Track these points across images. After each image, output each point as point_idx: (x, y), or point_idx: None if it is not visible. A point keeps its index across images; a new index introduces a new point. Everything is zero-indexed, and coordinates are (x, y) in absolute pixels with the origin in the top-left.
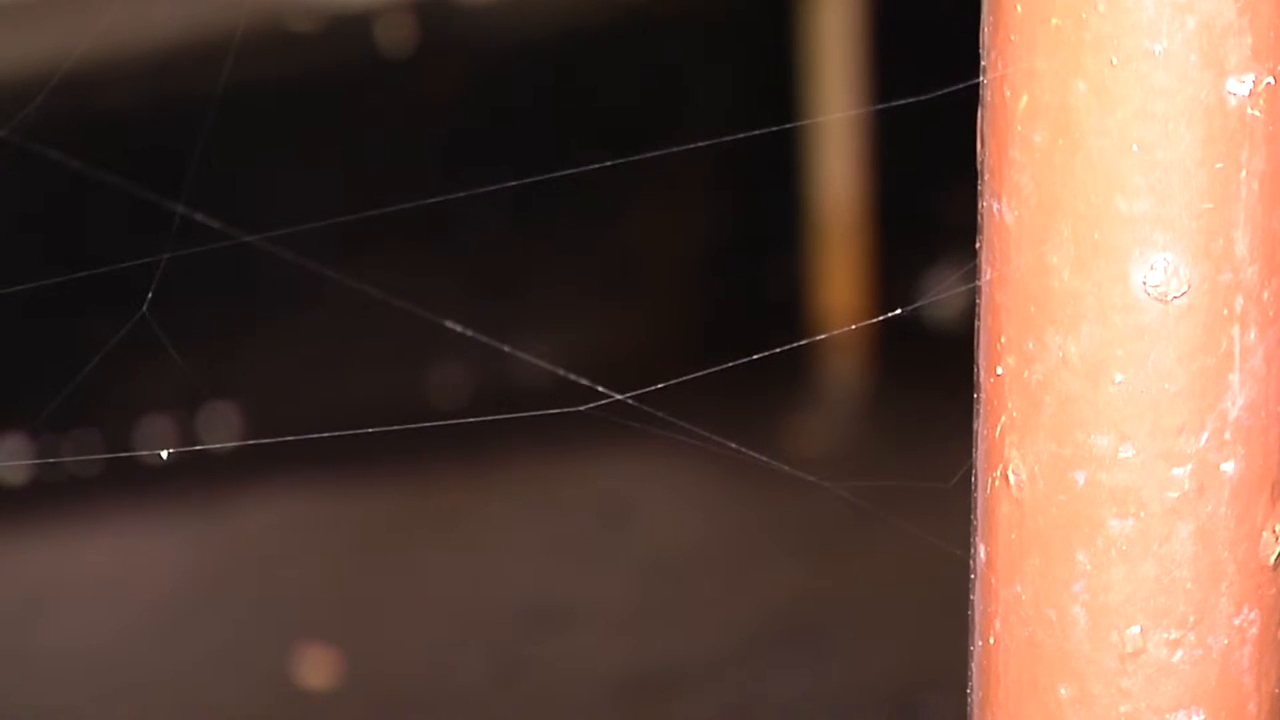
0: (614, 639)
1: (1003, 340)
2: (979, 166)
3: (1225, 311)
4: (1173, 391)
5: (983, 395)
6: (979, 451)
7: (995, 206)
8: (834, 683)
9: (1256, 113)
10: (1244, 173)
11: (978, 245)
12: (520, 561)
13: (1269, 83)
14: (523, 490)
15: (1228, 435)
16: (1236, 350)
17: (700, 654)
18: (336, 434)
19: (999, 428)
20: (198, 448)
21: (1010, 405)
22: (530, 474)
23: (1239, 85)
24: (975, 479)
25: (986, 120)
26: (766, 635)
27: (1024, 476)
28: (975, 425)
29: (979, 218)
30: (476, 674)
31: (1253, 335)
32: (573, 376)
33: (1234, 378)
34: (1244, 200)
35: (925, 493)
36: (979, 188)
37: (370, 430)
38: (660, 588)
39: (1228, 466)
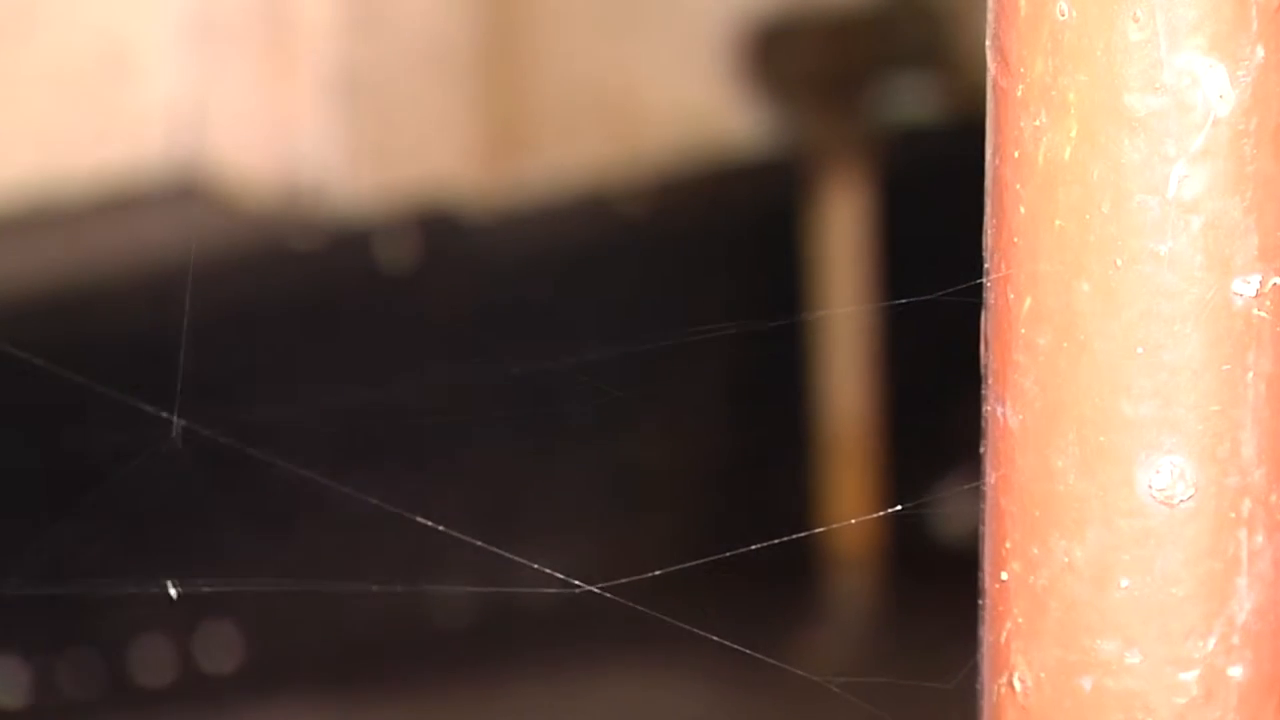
0: None
1: (1007, 545)
2: (982, 370)
3: (1232, 515)
4: (1180, 596)
5: (988, 601)
6: (984, 658)
7: (999, 410)
8: None
9: (1263, 314)
10: (1251, 374)
11: (982, 449)
12: None
13: (1275, 283)
14: (529, 708)
15: (1235, 640)
16: (1244, 554)
17: None
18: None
19: (1004, 633)
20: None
21: (1016, 611)
22: (536, 692)
23: (1245, 286)
24: (981, 685)
25: (990, 323)
26: None
27: (1030, 683)
28: (980, 631)
29: (983, 422)
30: None
31: (1260, 539)
32: (575, 582)
33: (1241, 582)
34: (1251, 402)
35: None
36: (983, 391)
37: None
38: None
39: (1235, 671)
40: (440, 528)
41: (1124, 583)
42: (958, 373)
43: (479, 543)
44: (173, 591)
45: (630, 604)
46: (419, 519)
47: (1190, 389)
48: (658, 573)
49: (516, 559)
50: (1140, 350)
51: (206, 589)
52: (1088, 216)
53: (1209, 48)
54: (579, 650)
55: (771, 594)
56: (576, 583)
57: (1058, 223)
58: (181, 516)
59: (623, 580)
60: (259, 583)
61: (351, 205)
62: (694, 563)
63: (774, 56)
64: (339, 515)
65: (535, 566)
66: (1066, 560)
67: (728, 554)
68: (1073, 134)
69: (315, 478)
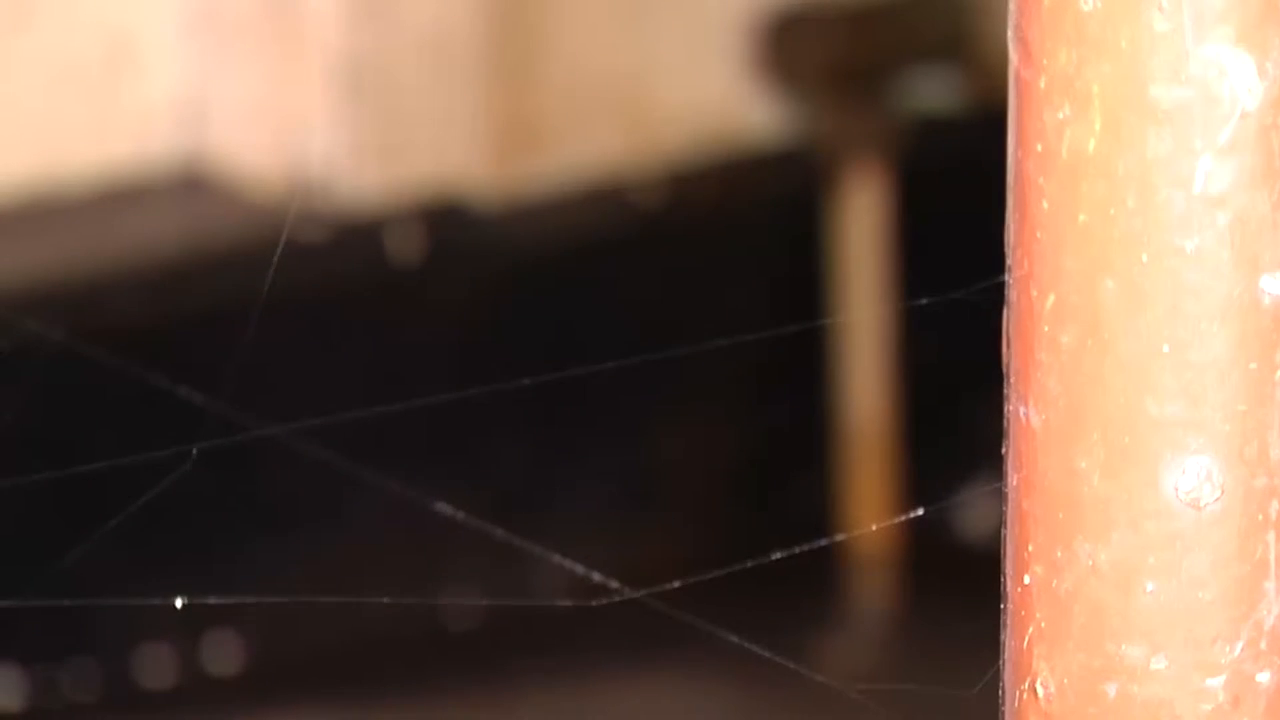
0: None
1: (1030, 549)
2: (1004, 369)
3: (1260, 517)
4: (1206, 600)
5: (1010, 606)
6: (1006, 663)
7: (1021, 410)
8: None
9: None
10: (1278, 374)
11: (1004, 450)
12: None
13: None
14: (542, 714)
15: (1263, 645)
16: (1272, 557)
17: None
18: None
19: (1027, 639)
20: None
21: (1039, 615)
22: (549, 698)
23: (1273, 283)
24: (1003, 692)
25: (1012, 321)
26: None
27: (1053, 689)
28: (1002, 636)
29: (1005, 422)
30: None
31: None
32: (595, 575)
33: (1269, 585)
34: (1278, 402)
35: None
36: (1005, 391)
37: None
38: None
39: (1263, 676)
40: (459, 515)
41: (1149, 586)
42: (979, 371)
43: (499, 532)
44: (179, 603)
45: (660, 607)
46: (439, 506)
47: (1217, 388)
48: (681, 583)
49: (541, 551)
50: (1166, 349)
51: (215, 601)
52: (1112, 211)
53: (1236, 39)
54: (594, 654)
55: (790, 597)
56: (613, 584)
57: (1081, 218)
58: (184, 516)
59: (646, 591)
60: (269, 596)
61: (359, 198)
62: (721, 572)
63: (791, 47)
64: (346, 514)
65: (569, 566)
66: (1091, 564)
67: (749, 563)
68: (1097, 127)
69: (335, 458)
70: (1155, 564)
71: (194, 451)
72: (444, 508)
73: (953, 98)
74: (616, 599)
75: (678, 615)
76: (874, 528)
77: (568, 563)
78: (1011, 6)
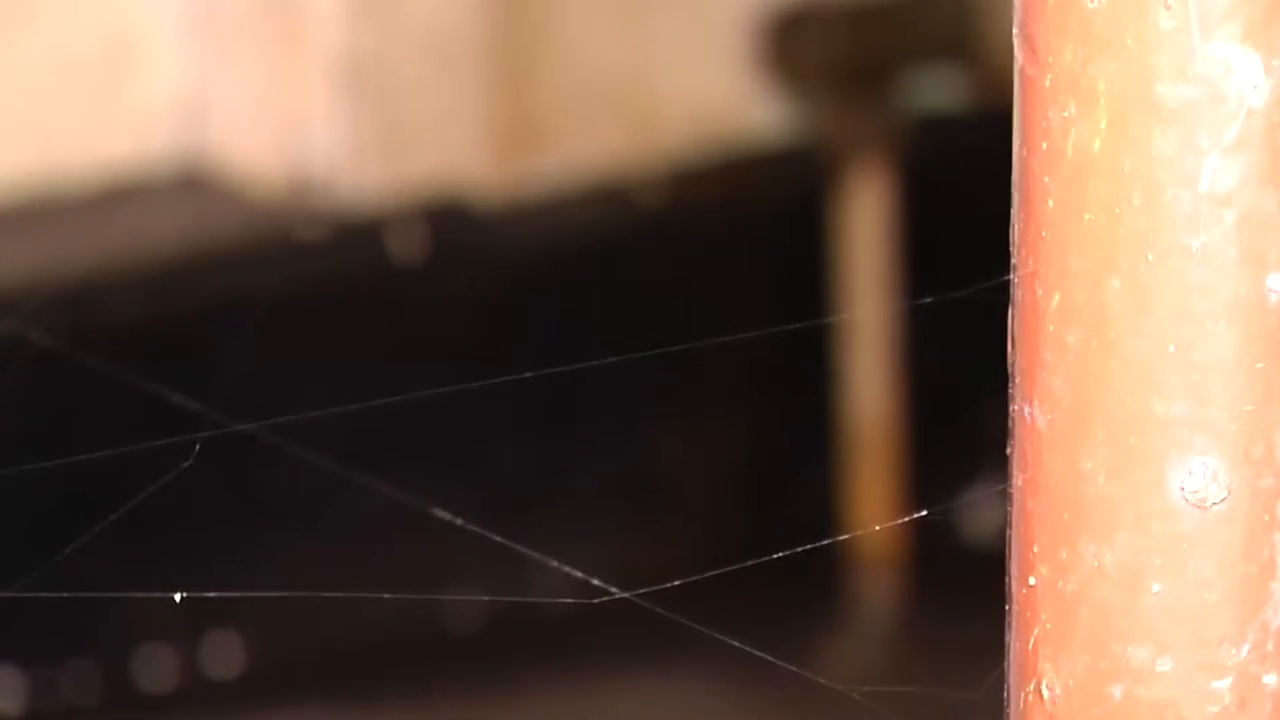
0: None
1: (1035, 549)
2: (1009, 369)
3: (1267, 517)
4: (1212, 601)
5: (1015, 607)
6: (1011, 665)
7: (1027, 410)
8: None
9: None
10: None
11: (1009, 451)
12: None
13: None
14: (543, 717)
15: (1270, 646)
16: (1278, 558)
17: None
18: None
19: (1032, 640)
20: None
21: (1044, 617)
22: (550, 700)
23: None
24: (1007, 694)
25: (1017, 320)
26: None
27: (1058, 691)
28: (1007, 638)
29: (1010, 422)
30: None
31: None
32: (595, 581)
33: (1276, 586)
34: None
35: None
36: (1010, 391)
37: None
38: None
39: (1270, 678)
40: (459, 521)
41: (1155, 587)
42: (984, 371)
43: (498, 538)
44: (177, 597)
45: (659, 610)
46: (437, 511)
47: (1223, 388)
48: (681, 581)
49: (540, 557)
50: (1172, 348)
51: (213, 595)
52: (1118, 210)
53: (1243, 36)
54: (594, 656)
55: (794, 599)
56: (612, 589)
57: (1087, 216)
58: (184, 516)
59: (647, 590)
60: (267, 590)
61: (361, 197)
62: (721, 570)
63: (794, 45)
64: (347, 515)
65: (567, 570)
66: (1096, 564)
67: (750, 563)
68: (1102, 125)
69: (330, 463)
70: (1161, 565)
71: (197, 446)
72: (441, 513)
73: (957, 96)
74: (616, 596)
75: (677, 618)
76: (878, 528)
77: (565, 567)
78: (1017, 4)
